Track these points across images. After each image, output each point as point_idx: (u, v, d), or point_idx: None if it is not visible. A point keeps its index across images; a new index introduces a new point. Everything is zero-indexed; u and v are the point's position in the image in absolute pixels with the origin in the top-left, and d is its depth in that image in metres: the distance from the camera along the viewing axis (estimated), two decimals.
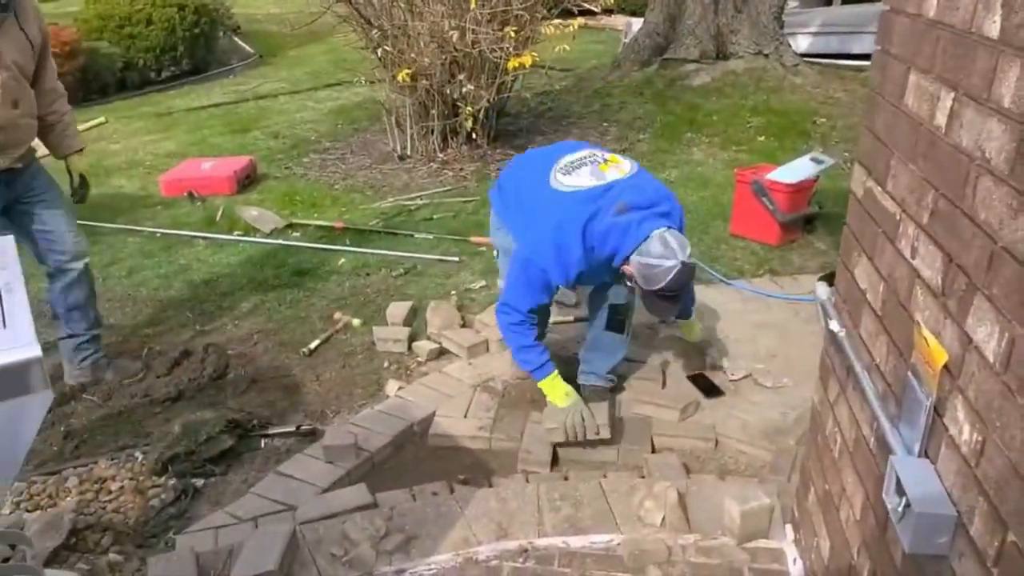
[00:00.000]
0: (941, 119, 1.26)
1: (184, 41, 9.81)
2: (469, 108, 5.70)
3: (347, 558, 2.12)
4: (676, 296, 2.52)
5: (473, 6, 5.29)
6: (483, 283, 4.06)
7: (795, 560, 2.09)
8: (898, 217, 1.46)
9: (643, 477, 2.58)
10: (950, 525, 1.17)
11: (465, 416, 2.99)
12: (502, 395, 3.13)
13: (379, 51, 5.70)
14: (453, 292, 3.98)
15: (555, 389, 2.72)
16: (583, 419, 2.65)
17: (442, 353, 3.48)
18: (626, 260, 2.50)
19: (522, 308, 2.67)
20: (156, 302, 4.05)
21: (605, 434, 2.67)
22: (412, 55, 5.47)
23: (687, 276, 2.46)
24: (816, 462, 1.96)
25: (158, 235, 4.91)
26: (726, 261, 4.29)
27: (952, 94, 1.23)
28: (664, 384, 3.13)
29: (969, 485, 1.13)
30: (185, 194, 5.55)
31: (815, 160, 4.44)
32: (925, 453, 1.30)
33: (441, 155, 6.25)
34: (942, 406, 1.23)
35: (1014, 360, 1.01)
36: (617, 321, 2.85)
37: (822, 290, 1.89)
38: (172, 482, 2.69)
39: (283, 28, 12.84)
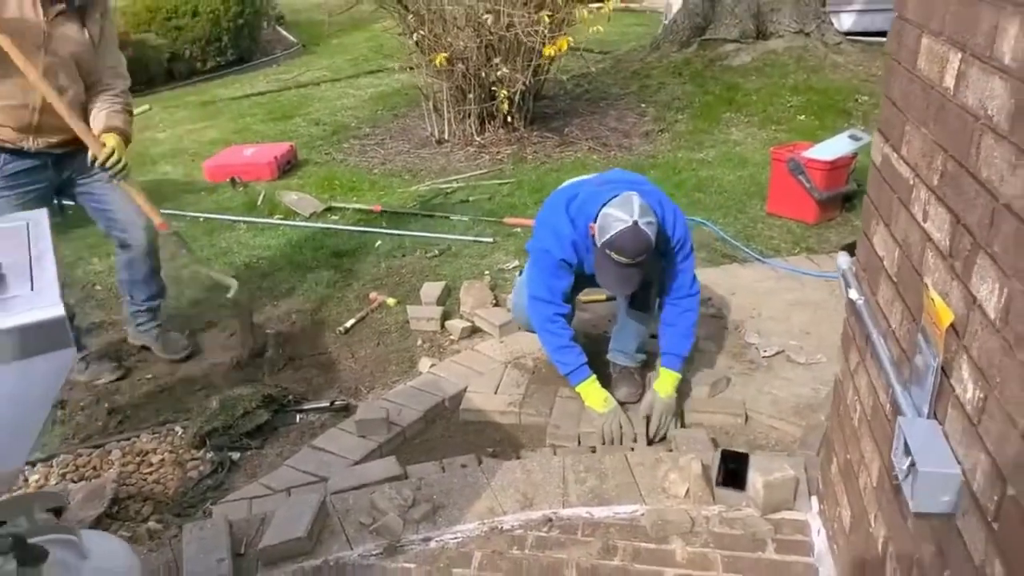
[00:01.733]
0: (950, 80, 1.25)
1: (229, 32, 10.01)
2: (505, 92, 5.72)
3: (375, 526, 2.19)
4: (628, 267, 2.44)
5: None
6: (515, 263, 4.09)
7: (819, 531, 2.09)
8: (911, 182, 1.45)
9: (670, 451, 2.60)
10: (955, 483, 1.17)
11: (496, 392, 3.04)
12: (532, 372, 3.16)
13: (415, 36, 5.74)
14: (487, 272, 4.02)
15: (592, 395, 2.72)
16: (620, 426, 2.66)
17: (474, 331, 3.53)
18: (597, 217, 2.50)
19: (544, 293, 2.70)
20: (198, 284, 4.18)
21: (642, 443, 2.67)
22: (448, 39, 5.51)
23: (638, 243, 2.39)
24: (839, 432, 1.95)
25: (201, 219, 5.05)
26: (762, 240, 4.25)
27: (960, 55, 1.22)
28: (695, 362, 3.13)
29: (972, 442, 1.13)
30: (228, 180, 5.69)
31: (853, 137, 4.37)
32: (934, 414, 1.29)
33: (478, 138, 6.29)
34: (949, 367, 1.23)
35: (1012, 315, 1.01)
36: (639, 299, 2.85)
37: (843, 260, 1.88)
38: (210, 455, 2.79)
39: (326, 16, 13.12)
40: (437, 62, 5.46)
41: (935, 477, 1.18)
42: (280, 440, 2.92)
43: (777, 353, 3.20)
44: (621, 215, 2.43)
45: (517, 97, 5.88)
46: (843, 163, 4.27)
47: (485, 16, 5.20)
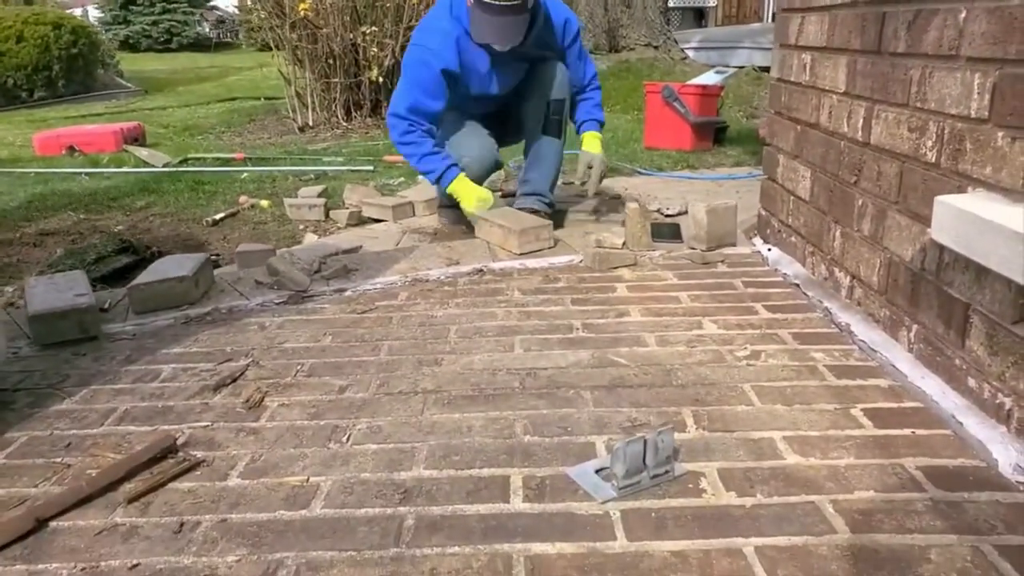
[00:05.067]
0: None
1: (60, 60, 9.36)
2: (375, 69, 5.61)
3: (275, 281, 1.84)
4: (504, 11, 2.28)
5: None
6: (402, 179, 3.87)
7: (769, 248, 1.97)
8: None
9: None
10: None
11: (396, 246, 2.75)
12: (433, 233, 2.91)
13: None
14: (371, 183, 3.76)
15: (466, 192, 2.50)
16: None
17: (363, 222, 3.24)
18: None
19: (401, 108, 2.48)
20: (35, 206, 3.63)
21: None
22: None
23: None
24: (782, 127, 1.88)
25: (32, 174, 4.46)
26: (643, 161, 4.28)
27: None
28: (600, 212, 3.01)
29: None
30: (64, 151, 5.12)
31: (718, 71, 4.59)
32: None
33: (345, 123, 6.09)
34: None
35: None
36: (554, 121, 2.71)
37: None
38: None
39: (171, 75, 12.68)
40: (301, 9, 5.27)
41: None
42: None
43: (680, 212, 3.15)
44: None
45: (386, 69, 5.77)
46: (713, 91, 4.45)
47: None
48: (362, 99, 6.11)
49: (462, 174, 2.53)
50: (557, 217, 2.87)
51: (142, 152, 4.68)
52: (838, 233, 1.57)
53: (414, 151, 2.51)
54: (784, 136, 1.89)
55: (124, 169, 4.44)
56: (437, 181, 2.54)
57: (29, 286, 1.70)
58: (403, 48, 5.83)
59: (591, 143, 2.69)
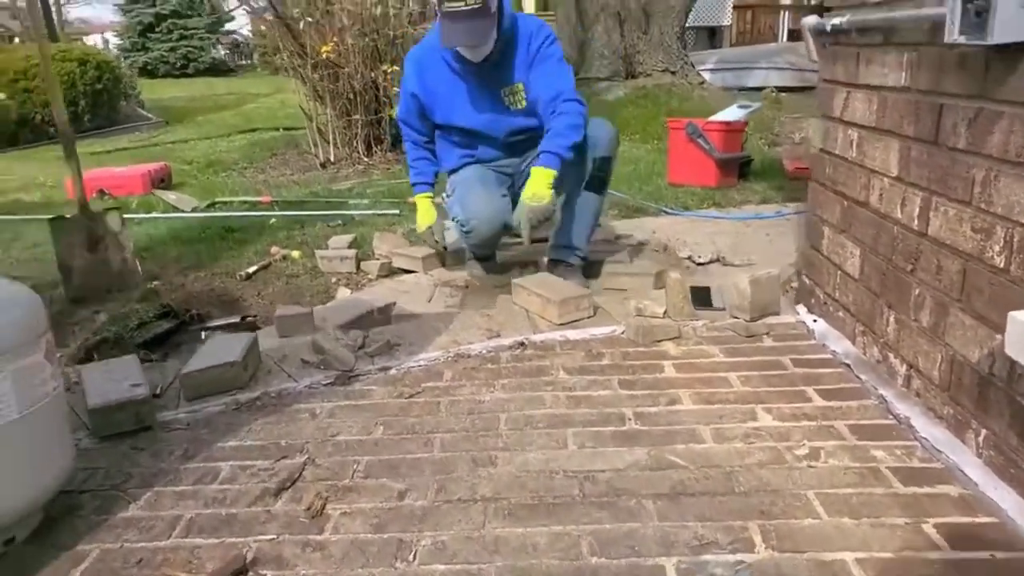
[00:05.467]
0: None
1: (85, 96, 9.50)
2: (396, 101, 5.65)
3: (322, 360, 1.84)
4: (464, 15, 2.33)
5: None
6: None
7: (815, 320, 1.95)
8: None
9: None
10: None
11: (429, 302, 2.76)
12: (465, 287, 2.91)
13: (302, 25, 5.60)
14: (399, 229, 3.77)
15: (421, 210, 2.92)
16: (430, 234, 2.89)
17: (393, 272, 3.25)
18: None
19: (402, 116, 2.82)
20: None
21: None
22: (334, 37, 5.43)
23: None
24: (826, 200, 1.87)
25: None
26: (669, 199, 4.27)
27: None
28: (631, 260, 3.01)
29: None
30: (95, 194, 5.17)
31: (742, 107, 4.58)
32: None
33: (366, 159, 6.14)
34: None
35: None
36: (599, 179, 2.69)
37: (813, 19, 1.86)
38: None
39: (189, 103, 12.82)
40: (323, 52, 5.33)
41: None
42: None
43: (711, 261, 3.14)
44: None
45: None
46: (738, 127, 4.44)
47: (374, 7, 5.18)
48: (382, 135, 6.16)
49: (421, 195, 2.91)
50: (590, 268, 2.87)
51: (170, 196, 4.72)
52: (892, 319, 1.55)
53: (408, 157, 2.93)
54: (829, 208, 1.88)
55: (154, 215, 4.48)
56: (412, 184, 2.94)
57: (86, 372, 1.72)
58: None
59: (534, 183, 2.40)
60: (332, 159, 6.20)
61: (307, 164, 6.32)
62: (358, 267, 3.25)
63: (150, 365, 2.38)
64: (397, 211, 4.18)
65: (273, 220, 4.16)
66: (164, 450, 1.52)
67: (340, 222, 4.03)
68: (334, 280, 3.15)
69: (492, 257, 2.97)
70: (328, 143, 6.20)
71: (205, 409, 1.68)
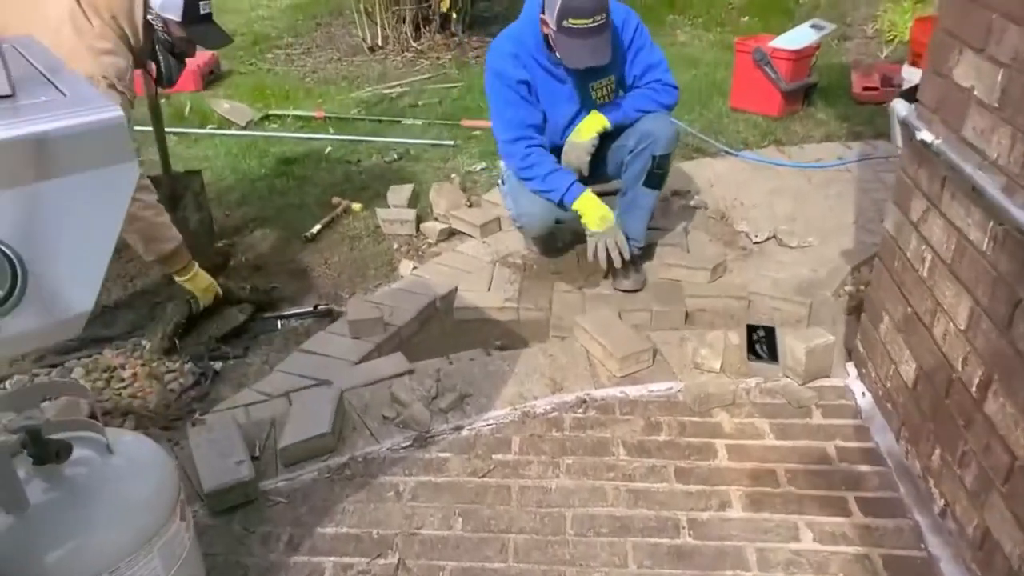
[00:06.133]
0: None
1: None
2: None
3: (400, 419, 2.02)
4: (592, 32, 2.33)
5: None
6: (483, 164, 3.88)
7: (863, 394, 2.05)
8: None
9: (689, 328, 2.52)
10: None
11: (488, 289, 2.87)
12: (523, 269, 3.00)
13: None
14: (454, 175, 3.79)
15: (589, 210, 2.60)
16: (616, 246, 2.60)
17: (452, 234, 3.33)
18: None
19: (512, 132, 2.61)
20: None
21: (627, 254, 2.64)
22: None
23: None
24: (892, 289, 1.89)
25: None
26: (729, 134, 4.17)
27: None
28: (688, 250, 3.04)
29: None
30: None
31: (816, 27, 4.31)
32: None
33: (415, 44, 5.95)
34: None
35: None
36: (657, 175, 2.71)
37: (901, 106, 1.79)
38: (188, 366, 2.53)
39: None
40: None
41: None
42: (263, 347, 2.68)
43: (768, 239, 3.16)
44: None
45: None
46: (807, 53, 4.22)
47: None
48: (431, 15, 5.92)
49: (587, 190, 2.61)
50: (647, 251, 2.94)
51: (224, 106, 4.71)
52: (938, 452, 1.66)
53: (536, 173, 2.62)
54: (891, 300, 1.91)
55: (209, 130, 4.51)
56: (560, 200, 2.63)
57: (193, 439, 1.92)
58: None
59: (584, 124, 2.67)
60: (380, 42, 6.02)
61: (354, 44, 6.17)
62: (417, 228, 3.34)
63: (234, 363, 2.60)
64: (451, 142, 4.16)
65: (328, 149, 4.19)
66: (272, 535, 1.74)
67: (395, 155, 4.04)
68: (395, 246, 3.26)
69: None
70: (375, 23, 5.99)
71: (300, 477, 1.89)
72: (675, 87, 2.73)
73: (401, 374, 2.26)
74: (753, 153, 3.93)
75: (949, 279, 1.61)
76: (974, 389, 1.51)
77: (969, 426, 1.52)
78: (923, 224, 1.74)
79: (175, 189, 3.26)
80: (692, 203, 3.45)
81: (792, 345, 2.09)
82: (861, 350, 2.11)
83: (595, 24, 2.30)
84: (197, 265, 2.65)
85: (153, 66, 2.64)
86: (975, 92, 1.52)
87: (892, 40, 5.49)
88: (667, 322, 2.68)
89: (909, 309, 1.80)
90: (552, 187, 2.60)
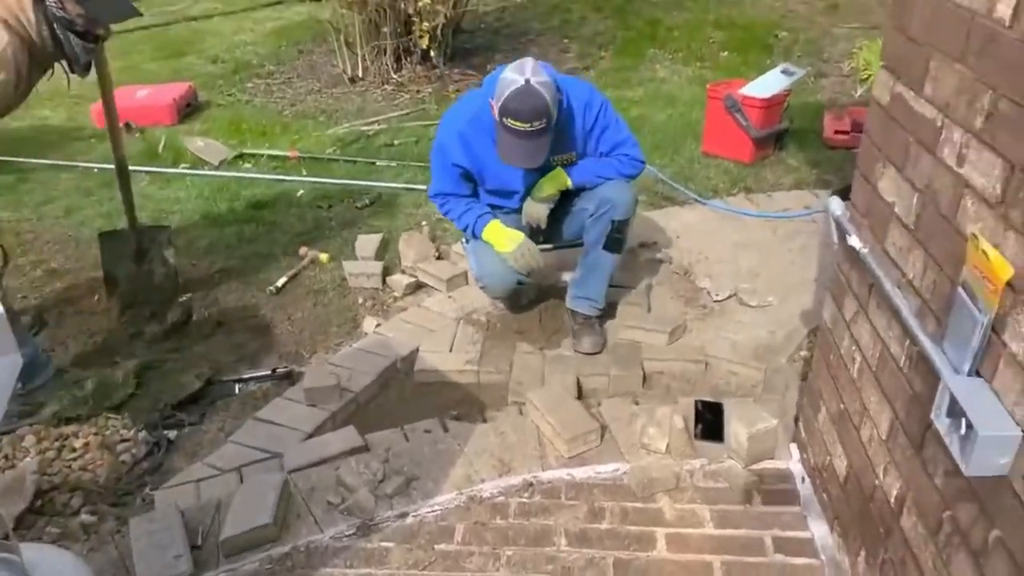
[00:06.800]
0: (1004, 11, 1.15)
1: None
2: (425, 24, 5.41)
3: (345, 505, 2.03)
4: (528, 135, 2.37)
5: None
6: None
7: (803, 479, 2.07)
8: (939, 123, 1.36)
9: (637, 403, 2.54)
10: (1014, 445, 1.12)
11: (450, 350, 2.88)
12: (487, 328, 3.02)
13: None
14: (424, 223, 3.81)
15: (496, 236, 2.71)
16: (528, 251, 2.69)
17: (419, 287, 3.35)
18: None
19: (433, 191, 2.79)
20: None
21: (537, 262, 2.72)
22: None
23: (532, 101, 2.31)
24: (828, 381, 1.92)
25: (95, 170, 4.58)
26: (700, 180, 4.20)
27: None
28: (649, 309, 3.06)
29: None
30: (121, 126, 5.16)
31: (786, 72, 4.34)
32: (976, 372, 1.24)
33: (395, 76, 5.97)
34: (1001, 323, 1.16)
35: None
36: (616, 240, 2.74)
37: (836, 205, 1.80)
38: (142, 435, 2.54)
39: None
40: None
41: (995, 440, 1.12)
42: (220, 413, 2.69)
43: (729, 296, 3.18)
44: (514, 76, 2.35)
45: (438, 32, 5.57)
46: (778, 100, 4.25)
47: None
48: (412, 47, 5.94)
49: (493, 221, 2.72)
50: (608, 311, 2.95)
51: (197, 143, 4.73)
52: (863, 553, 1.67)
53: (452, 216, 2.80)
54: (827, 391, 1.93)
55: (182, 169, 4.52)
56: (472, 231, 2.76)
57: (133, 528, 1.93)
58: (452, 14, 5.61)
59: (546, 181, 2.74)
60: (360, 74, 6.04)
61: (335, 74, 6.19)
62: (384, 281, 3.35)
63: (189, 431, 2.61)
64: (424, 187, 4.17)
65: (300, 192, 4.20)
66: None
67: (367, 200, 4.06)
68: (360, 300, 3.27)
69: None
70: (356, 55, 6.01)
71: (243, 568, 1.90)
72: (641, 161, 2.77)
73: (351, 451, 2.27)
74: (722, 202, 3.96)
75: (874, 386, 1.63)
76: (892, 501, 1.53)
77: (888, 536, 1.54)
78: (854, 325, 1.76)
79: (141, 243, 3.28)
80: (658, 256, 3.48)
81: (736, 429, 2.11)
82: (803, 434, 2.13)
83: (532, 129, 2.35)
84: None
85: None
86: (896, 209, 1.54)
87: (867, 79, 5.52)
88: (624, 386, 2.70)
89: (842, 405, 1.82)
90: (465, 224, 2.75)
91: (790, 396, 2.52)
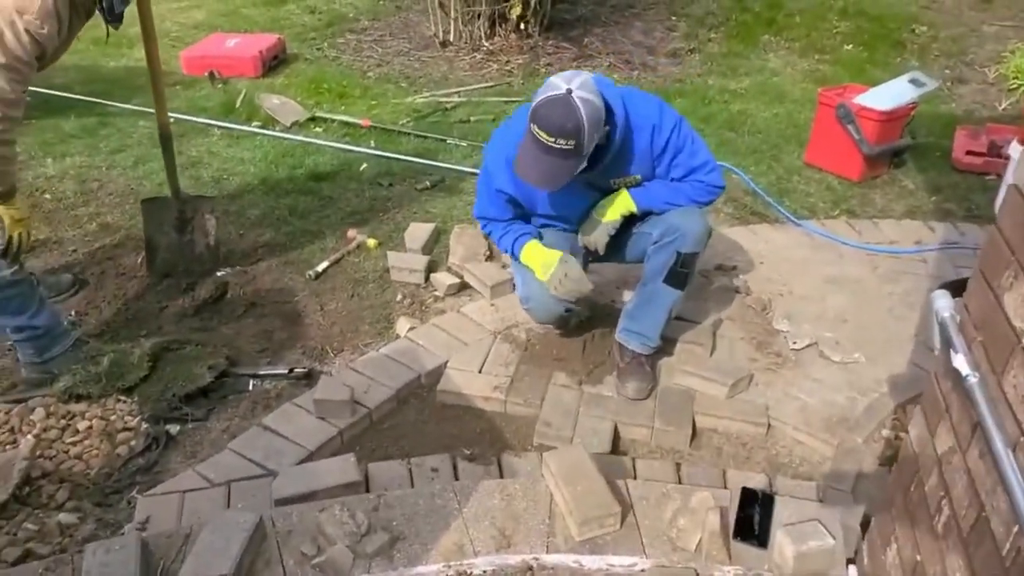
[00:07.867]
0: None
1: None
2: None
3: (318, 560, 1.80)
4: (549, 150, 2.08)
5: None
6: None
7: None
8: None
9: (678, 465, 2.22)
10: None
11: (480, 371, 2.61)
12: (524, 348, 2.73)
13: None
14: None
15: (533, 259, 2.43)
16: (565, 275, 2.36)
17: (462, 288, 3.08)
18: None
19: (477, 212, 2.58)
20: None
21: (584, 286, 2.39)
22: None
23: (565, 113, 2.04)
24: (904, 519, 1.54)
25: (172, 120, 4.47)
26: (797, 196, 3.73)
27: None
28: (714, 350, 2.69)
29: None
30: (206, 74, 5.08)
31: (915, 82, 3.77)
32: None
33: (487, 43, 5.65)
34: None
35: None
36: (681, 274, 2.40)
37: (943, 304, 1.41)
38: (145, 427, 2.39)
39: None
40: None
41: None
42: (228, 410, 2.51)
43: (808, 346, 2.76)
44: (558, 83, 2.08)
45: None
46: (901, 114, 3.70)
47: None
48: (508, 13, 5.60)
49: (530, 241, 2.45)
50: (664, 347, 2.61)
51: (273, 101, 4.57)
52: None
53: (494, 237, 2.58)
54: (902, 531, 1.55)
55: (253, 128, 4.38)
56: (514, 256, 2.52)
57: (86, 557, 1.76)
58: None
59: (611, 204, 2.44)
60: (451, 38, 5.76)
61: (427, 36, 5.94)
62: (427, 278, 3.11)
63: (194, 426, 2.45)
64: None
65: (364, 167, 3.99)
66: None
67: (427, 183, 3.80)
68: (399, 297, 3.03)
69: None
70: (449, 18, 5.72)
71: None
72: (720, 187, 2.41)
73: (344, 486, 2.04)
74: (818, 225, 3.49)
75: (962, 556, 1.26)
76: None
77: None
78: (947, 465, 1.38)
79: (184, 212, 3.14)
80: (735, 283, 3.08)
81: (782, 542, 1.76)
82: (866, 561, 1.75)
83: (555, 146, 2.06)
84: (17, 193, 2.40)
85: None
86: None
87: (1016, 89, 4.83)
88: (668, 442, 2.39)
89: (918, 556, 1.45)
90: (505, 247, 2.53)
91: (859, 489, 2.14)
